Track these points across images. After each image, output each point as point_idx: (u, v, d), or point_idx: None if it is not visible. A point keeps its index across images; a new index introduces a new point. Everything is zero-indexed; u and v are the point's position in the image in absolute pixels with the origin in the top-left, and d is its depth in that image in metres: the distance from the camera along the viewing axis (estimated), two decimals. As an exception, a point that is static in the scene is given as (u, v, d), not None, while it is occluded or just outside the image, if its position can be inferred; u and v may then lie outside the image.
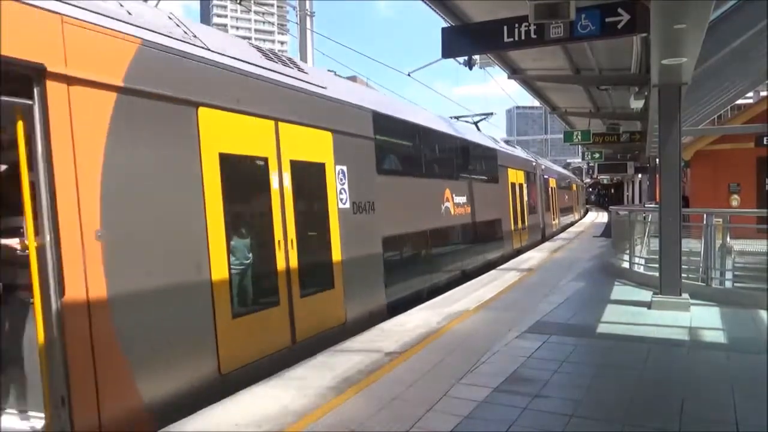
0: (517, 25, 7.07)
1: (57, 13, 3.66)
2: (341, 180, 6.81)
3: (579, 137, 13.81)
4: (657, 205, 8.63)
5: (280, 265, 5.58)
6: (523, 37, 7.08)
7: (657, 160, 8.37)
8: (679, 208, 7.52)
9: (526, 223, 16.82)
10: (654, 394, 4.44)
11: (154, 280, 4.20)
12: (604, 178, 46.48)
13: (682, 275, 7.74)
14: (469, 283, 9.78)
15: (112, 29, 4.07)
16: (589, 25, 6.78)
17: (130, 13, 4.38)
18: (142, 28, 4.38)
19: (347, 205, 6.90)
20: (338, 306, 6.59)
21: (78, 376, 3.60)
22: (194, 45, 4.92)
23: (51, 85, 3.59)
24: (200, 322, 4.60)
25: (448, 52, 7.80)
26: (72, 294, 3.60)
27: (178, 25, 5.00)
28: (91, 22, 3.90)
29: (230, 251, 4.94)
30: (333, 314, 6.48)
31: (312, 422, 3.91)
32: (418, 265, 9.06)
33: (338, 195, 6.75)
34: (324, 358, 5.47)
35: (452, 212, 10.53)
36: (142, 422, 3.97)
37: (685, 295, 7.60)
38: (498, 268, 11.89)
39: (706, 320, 6.98)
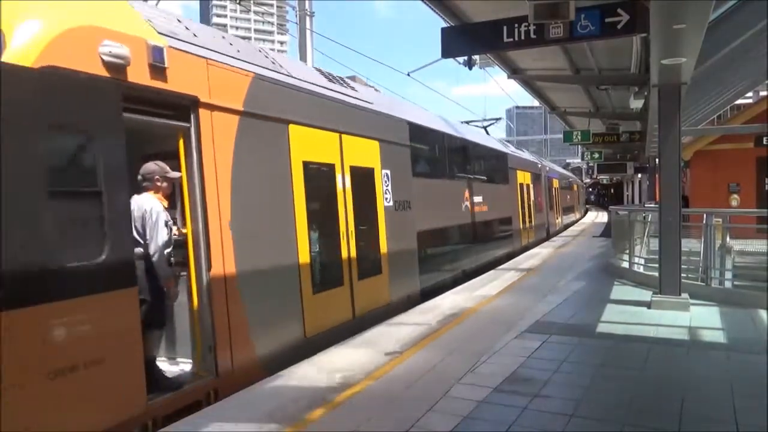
0: (516, 25, 7.07)
1: (203, 57, 4.80)
2: (386, 182, 7.92)
3: (578, 137, 13.81)
4: (656, 205, 8.64)
5: (344, 252, 6.73)
6: (522, 38, 7.08)
7: (657, 160, 8.37)
8: (678, 208, 7.52)
9: (533, 222, 17.79)
10: (654, 394, 4.45)
11: (263, 261, 5.32)
12: (604, 178, 46.47)
13: (682, 275, 7.75)
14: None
15: (235, 67, 5.22)
16: (588, 26, 6.79)
17: (239, 51, 5.58)
18: (249, 62, 5.53)
19: (390, 204, 8.01)
20: (385, 289, 7.69)
21: (220, 331, 4.72)
22: (281, 73, 6.04)
23: (201, 112, 4.69)
24: (292, 296, 5.74)
25: (447, 52, 7.80)
26: (216, 269, 4.73)
27: (266, 56, 6.13)
28: (222, 63, 5.04)
29: (309, 240, 6.06)
30: (381, 295, 7.59)
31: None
32: (444, 257, 10.23)
33: (384, 195, 7.87)
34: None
35: (470, 211, 11.65)
36: (255, 369, 5.07)
37: (685, 295, 7.60)
38: (498, 268, 12.08)
39: (705, 320, 6.99)
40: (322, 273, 6.33)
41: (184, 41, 4.73)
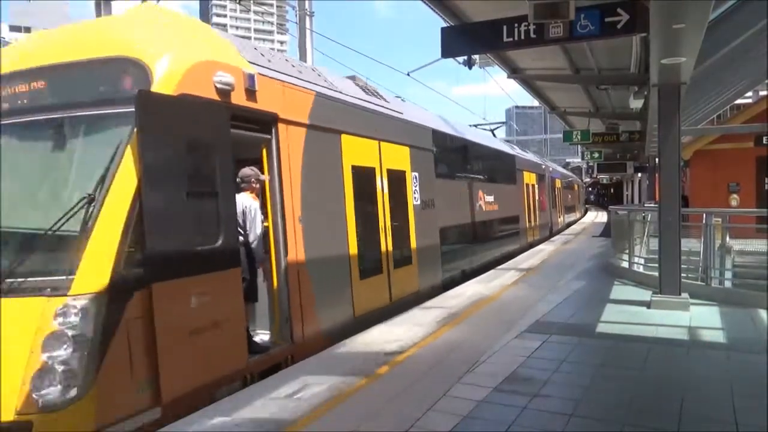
0: (516, 25, 7.06)
1: (280, 81, 5.72)
2: (414, 183, 8.76)
3: (578, 137, 13.79)
4: (656, 205, 8.64)
5: (382, 244, 7.61)
6: (522, 37, 7.07)
7: (656, 159, 8.36)
8: (678, 207, 7.52)
9: (538, 221, 18.83)
10: (653, 394, 4.45)
11: (323, 250, 6.19)
12: (604, 178, 46.47)
13: (682, 275, 7.75)
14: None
15: (302, 87, 6.12)
16: (588, 25, 6.78)
17: (300, 72, 6.46)
18: (307, 80, 6.36)
19: (418, 202, 8.86)
20: (414, 278, 8.52)
21: (294, 306, 5.60)
22: (333, 89, 6.91)
23: (280, 126, 5.58)
24: (345, 280, 6.64)
25: (447, 51, 7.80)
26: (291, 256, 5.60)
27: (318, 75, 6.99)
28: (292, 84, 5.93)
29: (357, 233, 6.91)
30: (411, 284, 8.42)
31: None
32: (461, 251, 11.08)
33: (413, 194, 8.70)
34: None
35: (483, 209, 12.57)
36: (319, 339, 5.94)
37: (685, 295, 7.60)
38: (500, 267, 12.16)
39: (705, 320, 6.99)
40: (366, 262, 7.16)
41: (264, 67, 5.64)
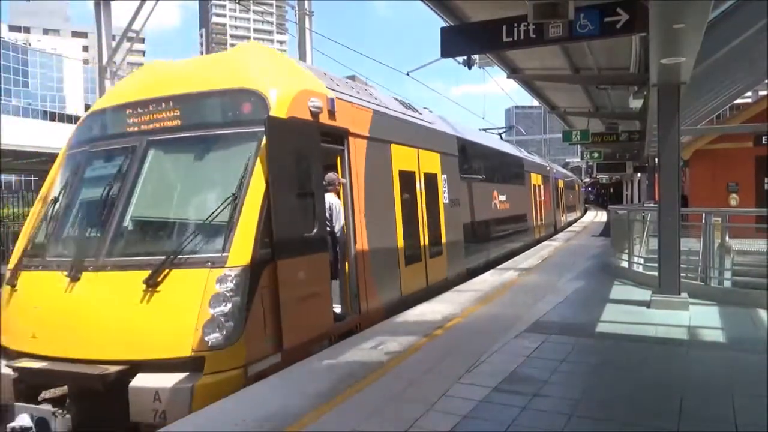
0: (516, 25, 7.05)
1: (349, 102, 6.97)
2: (444, 184, 9.92)
3: (578, 137, 13.77)
4: (656, 205, 8.64)
5: (421, 237, 8.77)
6: (522, 37, 7.06)
7: (656, 159, 8.36)
8: (677, 207, 7.52)
9: (544, 220, 20.16)
10: (653, 394, 4.44)
11: (380, 240, 7.38)
12: (603, 178, 46.47)
13: (681, 275, 7.75)
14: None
15: (363, 106, 7.37)
16: (588, 25, 6.77)
17: (358, 92, 7.69)
18: (362, 99, 7.57)
19: (447, 201, 9.99)
20: (444, 267, 9.67)
21: (361, 284, 6.82)
22: (382, 106, 8.15)
23: (350, 139, 6.80)
24: (395, 265, 7.84)
25: (446, 51, 7.80)
26: (358, 245, 6.80)
27: (370, 94, 8.27)
28: (356, 104, 7.18)
29: (403, 226, 8.13)
30: (442, 272, 9.55)
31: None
32: (480, 244, 12.30)
33: (443, 194, 9.84)
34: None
35: (498, 208, 13.88)
36: (378, 313, 7.17)
37: (684, 294, 7.61)
38: (500, 267, 12.38)
39: (705, 320, 6.99)
40: (409, 251, 8.33)
41: (336, 91, 6.79)
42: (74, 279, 5.23)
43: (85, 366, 4.74)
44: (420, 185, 8.89)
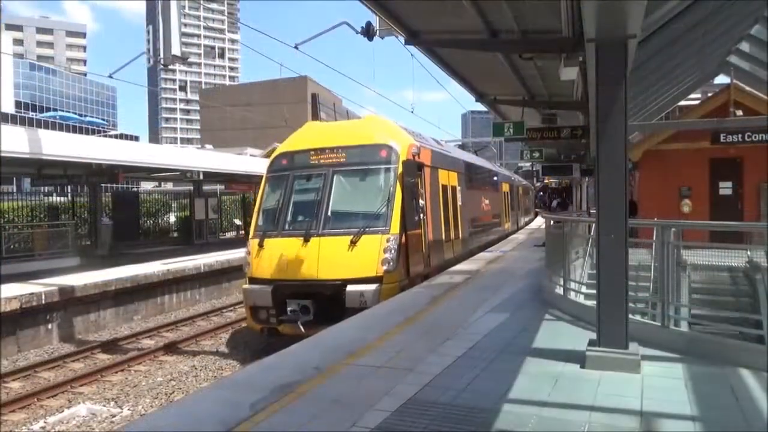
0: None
1: (425, 146, 12.17)
2: (459, 192, 14.82)
3: (510, 130, 11.48)
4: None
5: (451, 226, 13.61)
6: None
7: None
8: (624, 220, 5.12)
9: (510, 218, 25.60)
10: None
11: (437, 228, 12.28)
12: (553, 182, 44.95)
13: (629, 306, 5.38)
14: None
15: (425, 146, 12.18)
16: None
17: (421, 135, 13.16)
18: (424, 140, 12.79)
19: (460, 203, 14.81)
20: (460, 246, 14.51)
21: (430, 251, 11.61)
22: (429, 145, 12.88)
23: (424, 169, 11.66)
24: (442, 242, 12.61)
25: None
26: (428, 230, 11.50)
27: (421, 135, 13.21)
28: (424, 145, 12.06)
29: (445, 219, 12.94)
30: (459, 249, 14.35)
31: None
32: (474, 234, 16.76)
33: (459, 199, 14.74)
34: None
35: (484, 209, 18.93)
36: (437, 268, 11.87)
37: (634, 347, 5.21)
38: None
39: (664, 391, 4.57)
40: (447, 234, 13.13)
41: (415, 140, 11.59)
42: (306, 241, 9.82)
43: (321, 282, 9.51)
44: (449, 193, 13.63)
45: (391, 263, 9.47)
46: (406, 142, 10.70)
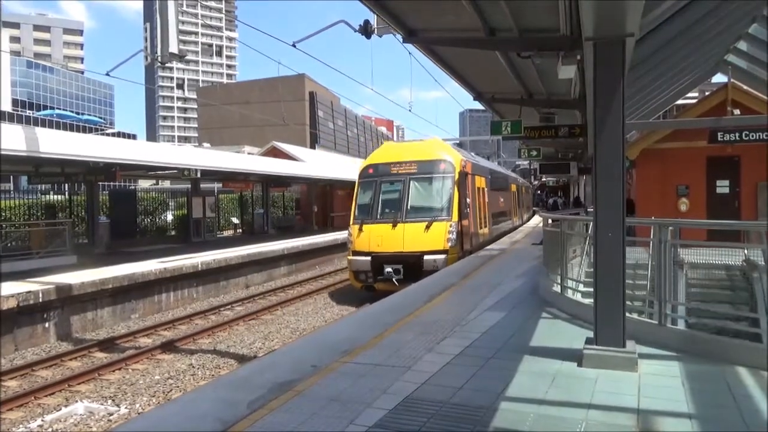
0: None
1: (468, 160, 17.84)
2: (486, 192, 19.42)
3: (509, 129, 11.49)
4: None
5: (483, 218, 18.59)
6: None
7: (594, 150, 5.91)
8: (622, 218, 5.13)
9: (517, 214, 29.63)
10: None
11: (474, 218, 17.28)
12: (550, 180, 45.03)
13: (627, 305, 5.39)
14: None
15: (468, 159, 18.09)
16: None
17: (461, 150, 20.31)
18: (465, 154, 19.80)
19: (487, 200, 19.42)
20: (488, 234, 19.21)
21: (472, 235, 16.85)
22: (471, 156, 21.33)
23: (468, 176, 16.67)
24: (478, 230, 17.73)
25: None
26: (467, 221, 16.40)
27: (464, 152, 20.49)
28: (467, 159, 17.89)
29: (477, 213, 17.78)
30: (486, 236, 18.81)
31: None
32: (495, 225, 21.06)
33: (486, 197, 19.24)
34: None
35: (500, 206, 23.17)
36: (474, 249, 16.75)
37: (631, 345, 5.23)
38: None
39: (661, 389, 4.59)
40: (480, 225, 17.76)
41: (462, 155, 17.30)
42: (394, 226, 14.42)
43: (406, 254, 14.03)
44: (481, 193, 18.10)
45: (453, 241, 14.35)
46: (458, 158, 15.79)
